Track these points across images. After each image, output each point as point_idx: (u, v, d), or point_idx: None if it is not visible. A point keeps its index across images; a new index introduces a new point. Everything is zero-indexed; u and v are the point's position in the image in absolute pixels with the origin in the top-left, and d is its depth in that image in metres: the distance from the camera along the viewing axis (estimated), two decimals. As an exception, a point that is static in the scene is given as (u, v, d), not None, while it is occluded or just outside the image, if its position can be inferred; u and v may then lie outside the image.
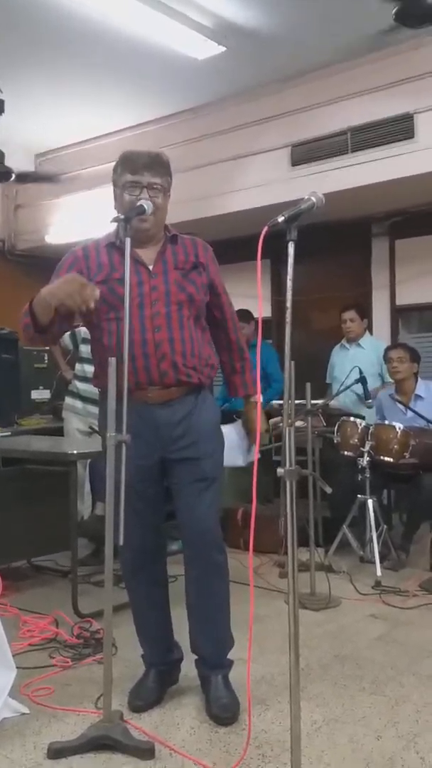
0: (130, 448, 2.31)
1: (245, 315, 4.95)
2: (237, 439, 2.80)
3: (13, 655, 2.61)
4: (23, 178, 6.42)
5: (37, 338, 2.49)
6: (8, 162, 5.82)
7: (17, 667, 2.61)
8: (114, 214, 2.45)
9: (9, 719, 2.47)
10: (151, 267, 2.50)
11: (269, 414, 5.03)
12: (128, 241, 2.34)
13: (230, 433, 2.77)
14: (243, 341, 2.75)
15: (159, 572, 2.67)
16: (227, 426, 2.79)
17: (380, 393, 4.91)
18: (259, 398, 2.66)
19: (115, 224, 2.40)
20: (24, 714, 2.52)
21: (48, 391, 6.43)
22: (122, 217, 2.38)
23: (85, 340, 5.00)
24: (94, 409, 4.88)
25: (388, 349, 4.80)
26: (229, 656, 2.63)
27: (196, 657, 2.64)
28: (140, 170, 2.46)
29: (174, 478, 2.54)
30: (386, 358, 4.73)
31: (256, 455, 2.33)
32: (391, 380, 5.02)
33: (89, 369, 4.89)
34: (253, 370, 2.77)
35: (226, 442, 2.66)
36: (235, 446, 2.78)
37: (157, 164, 2.49)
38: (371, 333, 5.64)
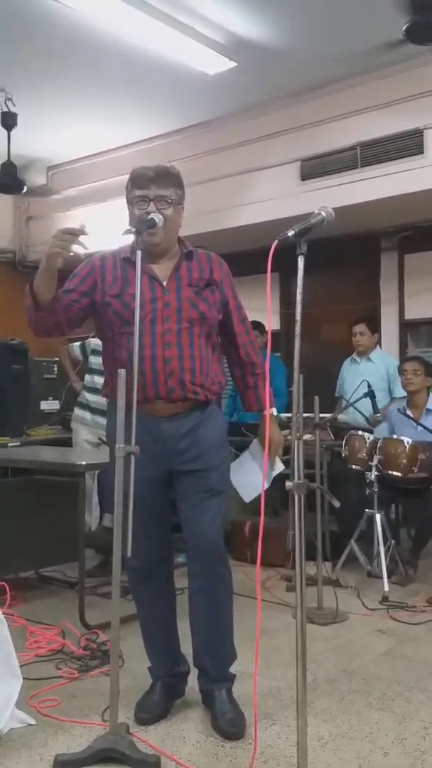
0: (136, 460, 2.31)
1: (257, 327, 4.96)
2: (255, 468, 2.72)
3: (20, 666, 2.61)
4: None
5: (41, 319, 2.47)
6: (21, 175, 5.88)
7: (24, 678, 2.60)
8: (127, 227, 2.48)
9: (15, 730, 2.47)
10: (165, 283, 2.51)
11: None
12: (139, 253, 2.36)
13: (246, 463, 2.73)
14: (255, 356, 2.70)
15: (166, 583, 2.67)
16: (240, 460, 2.77)
17: (390, 407, 4.90)
18: (272, 411, 2.64)
19: (130, 238, 2.42)
20: (30, 725, 2.52)
21: (57, 402, 6.46)
22: (132, 229, 2.41)
23: (94, 352, 5.02)
24: (103, 421, 4.86)
25: (403, 362, 4.82)
26: (236, 670, 2.62)
27: (198, 671, 2.64)
28: (147, 184, 2.49)
29: (179, 489, 2.55)
30: (401, 370, 4.75)
31: (266, 468, 2.34)
32: (399, 395, 5.03)
33: (99, 380, 4.92)
34: (267, 383, 2.70)
35: (244, 475, 2.64)
36: (253, 477, 2.71)
37: (164, 177, 2.51)
38: (381, 347, 5.64)
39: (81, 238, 2.35)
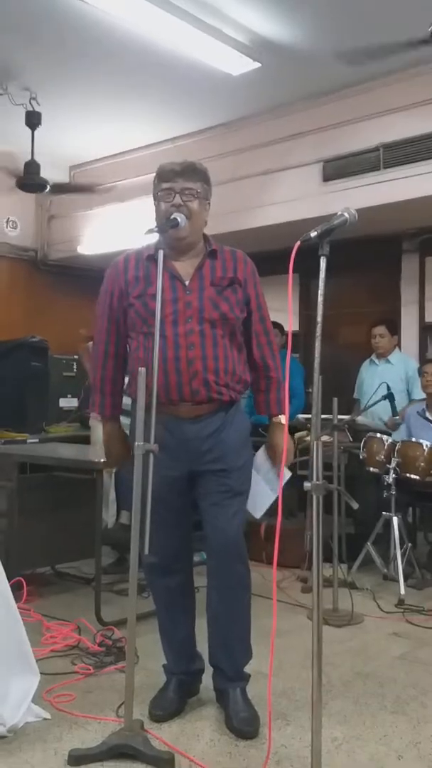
0: (158, 460, 2.32)
1: (276, 327, 4.96)
2: (260, 481, 2.67)
3: (36, 661, 2.64)
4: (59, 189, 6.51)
5: None
6: (43, 173, 5.92)
7: (40, 673, 2.63)
8: (148, 226, 2.48)
9: (31, 724, 2.49)
10: (187, 282, 2.51)
11: (295, 428, 5.02)
12: (161, 254, 2.37)
13: (255, 479, 2.67)
14: (271, 358, 2.66)
15: (185, 580, 2.68)
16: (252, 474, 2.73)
17: (408, 409, 4.88)
18: (280, 418, 2.62)
19: (152, 237, 2.43)
20: (46, 719, 2.54)
21: (76, 400, 6.50)
22: (155, 229, 2.41)
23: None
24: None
25: (423, 363, 4.80)
26: (250, 670, 2.63)
27: (213, 669, 2.64)
28: (173, 177, 2.49)
29: (201, 488, 2.55)
30: (421, 372, 4.73)
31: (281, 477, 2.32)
32: (418, 397, 5.00)
33: (117, 378, 4.94)
34: (280, 389, 2.66)
35: (256, 488, 2.63)
36: (260, 491, 2.67)
37: (190, 171, 2.50)
38: (400, 349, 5.62)
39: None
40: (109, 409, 2.71)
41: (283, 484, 2.41)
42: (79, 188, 6.80)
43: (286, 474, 2.61)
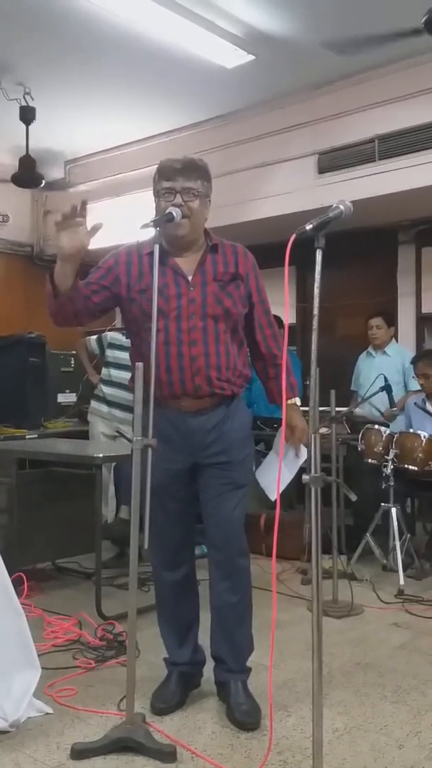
0: (161, 453, 2.33)
1: (275, 320, 4.97)
2: (274, 463, 2.70)
3: (38, 656, 2.64)
4: None
5: (59, 307, 2.47)
6: (38, 168, 5.90)
7: (41, 668, 2.64)
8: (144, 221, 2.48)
9: (33, 719, 2.50)
10: (190, 278, 2.51)
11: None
12: (156, 247, 2.37)
13: (272, 462, 2.71)
14: (277, 348, 2.68)
15: (187, 572, 2.69)
16: (266, 461, 2.77)
17: (408, 400, 4.89)
18: (295, 400, 2.64)
19: (149, 232, 2.42)
20: (48, 714, 2.55)
21: (74, 395, 6.50)
22: (151, 223, 2.41)
23: (111, 345, 5.05)
24: (120, 414, 4.94)
25: (414, 362, 4.79)
26: (251, 662, 2.64)
27: (214, 661, 2.65)
28: (174, 176, 2.48)
29: (202, 480, 2.57)
30: (414, 373, 4.73)
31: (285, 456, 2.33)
32: (414, 388, 5.01)
33: (115, 373, 4.95)
34: (290, 373, 2.69)
35: (270, 474, 2.64)
36: (274, 469, 2.68)
37: (192, 169, 2.50)
38: (397, 341, 5.62)
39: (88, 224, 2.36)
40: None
41: (301, 462, 2.42)
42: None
43: (305, 454, 2.64)
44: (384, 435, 4.42)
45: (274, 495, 2.70)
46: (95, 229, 2.39)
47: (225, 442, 2.53)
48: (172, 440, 2.46)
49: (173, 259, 2.52)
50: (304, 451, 2.65)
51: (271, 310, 2.71)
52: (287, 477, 2.66)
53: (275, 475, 2.64)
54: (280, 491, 2.65)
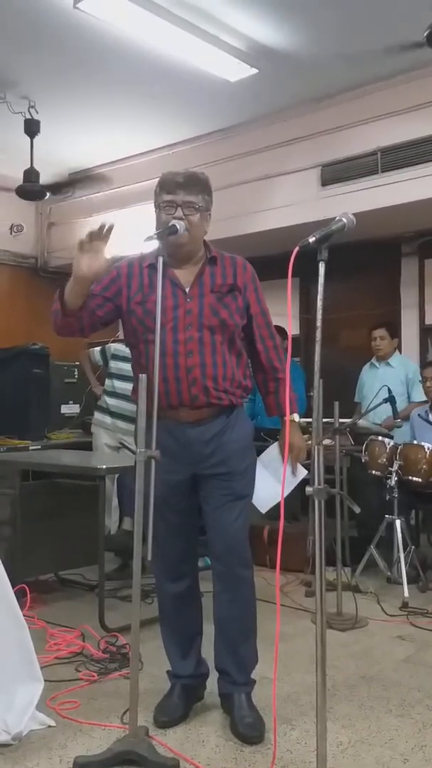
0: (161, 464, 2.33)
1: (279, 332, 4.98)
2: (268, 477, 2.68)
3: (40, 668, 2.63)
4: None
5: (66, 324, 2.51)
6: (42, 181, 5.94)
7: (44, 680, 2.63)
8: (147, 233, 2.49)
9: (35, 732, 2.49)
10: (187, 289, 2.53)
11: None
12: (160, 260, 2.39)
13: (262, 473, 2.69)
14: (278, 361, 2.68)
15: (190, 585, 2.68)
16: (258, 468, 2.74)
17: (411, 412, 4.89)
18: (293, 416, 2.63)
19: (152, 244, 2.44)
20: (50, 727, 2.53)
21: (78, 406, 6.51)
22: (154, 236, 2.43)
23: (114, 356, 5.06)
24: (123, 425, 4.94)
25: (423, 367, 4.80)
26: (255, 674, 2.63)
27: (218, 674, 2.64)
28: (175, 189, 2.50)
29: (204, 492, 2.57)
30: (422, 376, 4.73)
31: (284, 475, 2.33)
32: (418, 400, 5.01)
33: (119, 384, 4.96)
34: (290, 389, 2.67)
35: (263, 484, 2.63)
36: (268, 486, 2.67)
37: (193, 183, 2.52)
38: (400, 352, 5.62)
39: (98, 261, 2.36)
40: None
41: (299, 481, 2.41)
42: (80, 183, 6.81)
43: (303, 472, 2.64)
44: (388, 446, 4.41)
45: (263, 509, 2.70)
46: (114, 259, 2.41)
47: (224, 452, 2.53)
48: (171, 451, 2.46)
49: (172, 270, 2.53)
50: (301, 469, 2.65)
51: (272, 322, 2.71)
52: (278, 493, 2.63)
53: (263, 489, 2.64)
54: (271, 507, 2.66)
